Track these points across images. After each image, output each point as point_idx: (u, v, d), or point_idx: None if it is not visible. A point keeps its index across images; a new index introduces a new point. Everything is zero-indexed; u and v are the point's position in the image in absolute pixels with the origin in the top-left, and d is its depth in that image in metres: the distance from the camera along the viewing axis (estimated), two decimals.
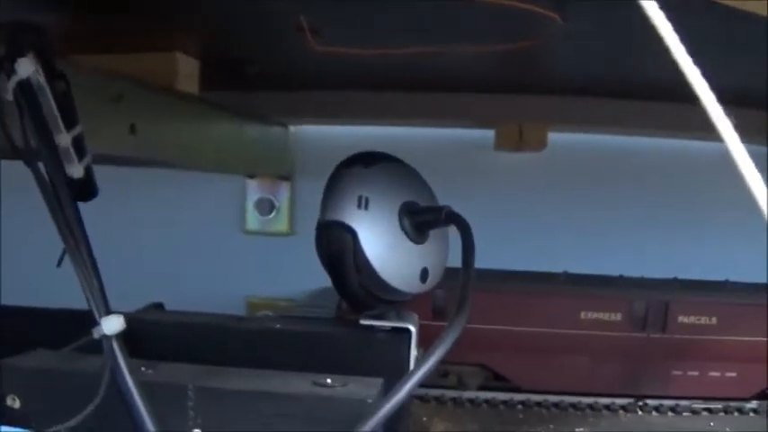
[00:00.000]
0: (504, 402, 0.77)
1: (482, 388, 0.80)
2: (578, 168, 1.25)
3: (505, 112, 1.18)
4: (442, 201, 1.17)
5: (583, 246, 1.20)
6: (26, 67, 0.51)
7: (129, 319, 0.68)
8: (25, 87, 0.51)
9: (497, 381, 0.81)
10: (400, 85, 1.17)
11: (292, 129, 1.29)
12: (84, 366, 0.52)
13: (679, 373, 0.81)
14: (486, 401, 0.76)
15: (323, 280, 1.25)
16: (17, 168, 0.51)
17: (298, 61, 1.01)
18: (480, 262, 0.69)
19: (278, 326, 0.68)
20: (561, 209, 1.24)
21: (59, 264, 0.59)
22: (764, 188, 0.28)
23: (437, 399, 0.77)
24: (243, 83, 1.15)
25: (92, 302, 0.46)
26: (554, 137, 1.20)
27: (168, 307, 1.26)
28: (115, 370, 0.45)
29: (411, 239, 0.64)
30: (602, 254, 1.18)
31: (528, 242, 1.21)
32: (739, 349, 0.80)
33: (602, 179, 1.25)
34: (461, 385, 0.78)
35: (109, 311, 0.47)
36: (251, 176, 1.30)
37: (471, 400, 0.76)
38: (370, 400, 0.50)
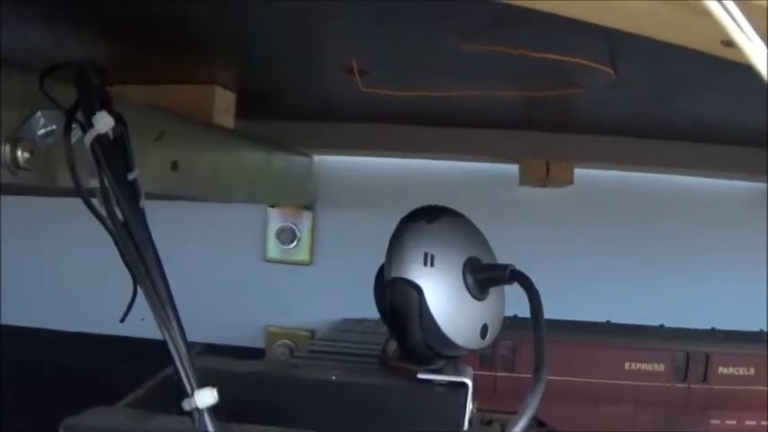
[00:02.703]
0: None
1: None
2: (604, 205, 1.26)
3: (532, 148, 1.18)
4: None
5: (609, 286, 1.20)
6: (106, 122, 0.51)
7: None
8: (104, 142, 0.50)
9: (540, 428, 0.81)
10: (426, 120, 1.17)
11: (316, 158, 1.28)
12: (151, 429, 0.52)
13: (717, 422, 0.82)
14: None
15: (342, 311, 1.26)
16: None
17: (330, 96, 1.02)
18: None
19: (334, 377, 0.67)
20: (585, 245, 1.25)
21: (123, 320, 0.58)
22: None
23: None
24: (269, 112, 1.15)
25: (183, 374, 0.46)
26: (580, 173, 1.20)
27: (189, 333, 1.25)
28: None
29: (473, 296, 0.64)
30: (626, 294, 1.18)
31: (553, 280, 1.21)
32: None
33: (628, 217, 1.25)
34: None
35: (201, 384, 0.46)
36: (272, 205, 1.30)
37: None
38: None
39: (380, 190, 1.31)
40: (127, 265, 0.50)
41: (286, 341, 1.29)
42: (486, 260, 0.66)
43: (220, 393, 0.65)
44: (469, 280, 0.63)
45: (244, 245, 1.32)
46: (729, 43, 0.49)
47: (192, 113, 0.88)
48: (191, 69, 0.89)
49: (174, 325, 0.46)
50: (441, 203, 1.17)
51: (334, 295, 1.28)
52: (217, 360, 0.70)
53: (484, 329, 0.65)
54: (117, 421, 0.54)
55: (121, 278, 0.51)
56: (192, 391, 0.45)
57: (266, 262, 1.31)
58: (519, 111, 1.03)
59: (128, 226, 0.48)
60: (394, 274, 0.62)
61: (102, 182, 0.50)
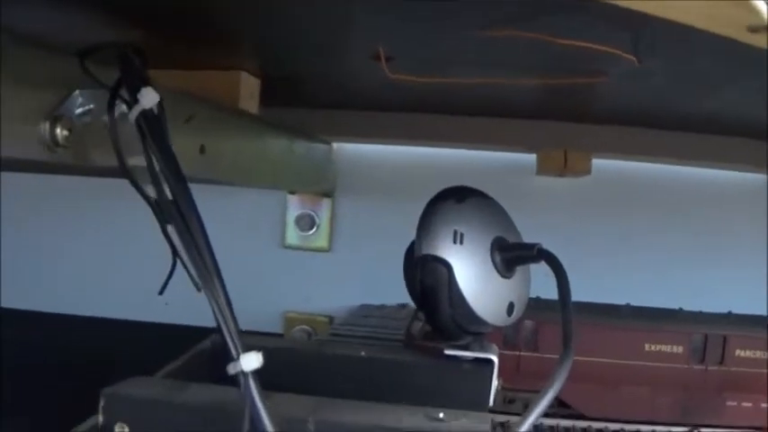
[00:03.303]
0: (567, 429, 0.78)
1: (546, 415, 0.81)
2: (621, 195, 1.27)
3: (550, 138, 1.19)
4: None
5: (625, 275, 1.21)
6: (151, 98, 0.52)
7: (213, 341, 0.69)
8: (149, 116, 0.52)
9: (561, 408, 0.83)
10: (445, 109, 1.18)
11: (335, 146, 1.30)
12: (189, 397, 0.53)
13: (734, 403, 0.83)
14: (551, 428, 0.78)
15: (360, 297, 1.27)
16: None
17: (354, 84, 1.03)
18: None
19: (363, 353, 0.68)
20: (600, 235, 1.26)
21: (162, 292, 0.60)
22: None
23: (502, 425, 0.78)
24: (292, 99, 1.16)
25: (228, 338, 0.47)
26: (597, 163, 1.21)
27: (208, 317, 1.27)
28: (252, 406, 0.46)
29: (501, 274, 0.65)
30: (643, 283, 1.20)
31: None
32: None
33: (644, 207, 1.26)
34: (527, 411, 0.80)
35: (246, 348, 0.47)
36: (292, 192, 1.31)
37: (536, 426, 0.77)
38: None
39: (399, 178, 1.32)
40: (166, 236, 0.52)
41: (304, 327, 1.30)
42: (512, 240, 0.67)
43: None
44: (497, 258, 0.65)
45: (263, 231, 1.33)
46: (756, 29, 0.50)
47: (218, 98, 0.89)
48: (217, 56, 0.90)
49: (221, 293, 0.48)
50: None
51: (353, 282, 1.30)
52: (247, 336, 0.71)
53: (510, 307, 0.66)
54: (154, 390, 0.56)
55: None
56: (238, 355, 0.47)
57: (285, 248, 1.33)
58: (537, 100, 1.04)
59: (175, 198, 0.49)
60: (424, 252, 0.64)
61: (147, 155, 0.51)
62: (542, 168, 1.22)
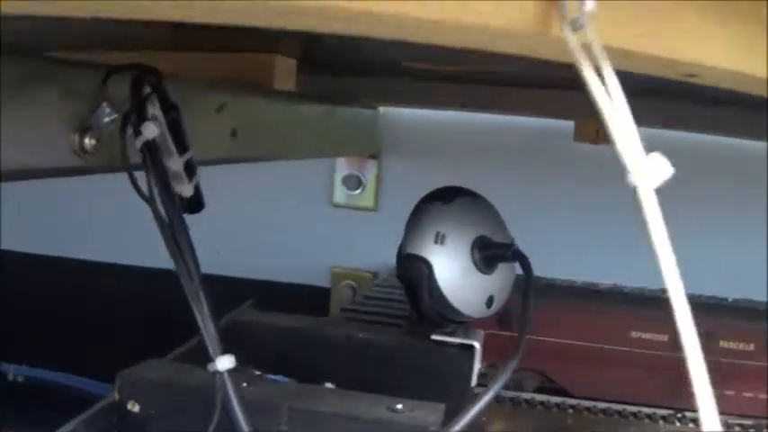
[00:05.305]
0: (557, 405, 0.84)
1: (538, 390, 0.88)
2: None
3: (585, 108, 1.21)
4: (520, 187, 1.23)
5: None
6: (151, 130, 0.58)
7: (229, 320, 0.78)
8: (151, 147, 0.58)
9: (551, 385, 0.89)
10: (484, 81, 1.22)
11: (381, 110, 1.35)
12: (195, 381, 0.62)
13: (716, 392, 0.86)
14: (542, 403, 0.84)
15: None
16: None
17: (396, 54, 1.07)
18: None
19: (360, 335, 0.76)
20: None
21: None
22: None
23: (496, 399, 0.85)
24: (334, 69, 1.21)
25: (207, 342, 0.55)
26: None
27: (261, 271, 1.37)
28: (226, 399, 0.54)
29: (480, 271, 0.71)
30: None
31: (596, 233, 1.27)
32: None
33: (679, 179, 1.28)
34: (519, 388, 0.87)
35: (222, 351, 0.55)
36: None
37: (528, 401, 0.84)
38: (432, 428, 0.58)
39: (443, 141, 1.38)
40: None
41: (350, 282, 1.39)
42: (497, 237, 0.73)
43: (256, 345, 0.76)
44: (477, 256, 0.71)
45: (313, 190, 1.41)
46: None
47: (252, 81, 0.95)
48: (252, 38, 0.95)
49: (204, 304, 0.55)
50: (498, 155, 1.24)
51: (396, 239, 1.36)
52: (258, 314, 0.80)
53: (490, 300, 0.73)
54: (162, 373, 0.65)
55: None
56: (215, 356, 0.55)
57: (333, 207, 1.41)
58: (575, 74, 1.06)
59: (171, 224, 0.56)
60: (408, 251, 0.71)
61: (149, 183, 0.58)
62: (579, 135, 1.25)
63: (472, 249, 0.71)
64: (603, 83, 0.38)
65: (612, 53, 0.42)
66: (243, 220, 1.40)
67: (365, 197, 1.39)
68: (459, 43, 0.43)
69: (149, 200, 0.57)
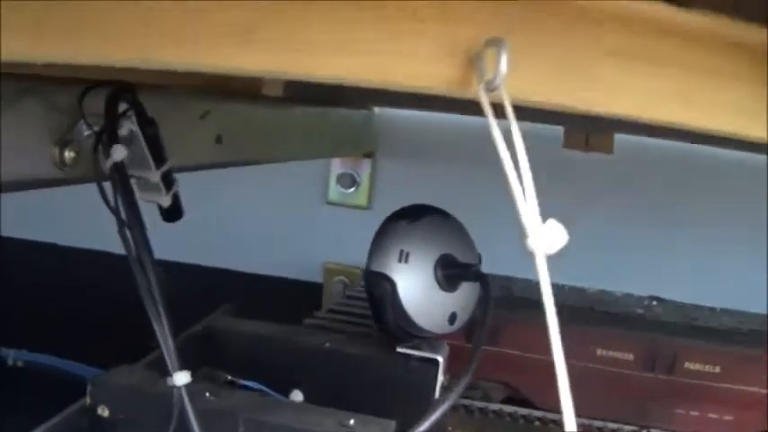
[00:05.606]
0: (524, 417, 0.87)
1: (506, 401, 0.90)
2: (644, 172, 1.31)
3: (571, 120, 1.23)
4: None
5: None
6: (120, 153, 0.61)
7: (206, 325, 0.81)
8: (120, 168, 0.61)
9: (518, 396, 0.91)
10: None
11: (377, 110, 1.38)
12: (160, 389, 0.64)
13: (681, 411, 0.88)
14: (510, 415, 0.87)
15: None
16: None
17: None
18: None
19: (327, 345, 0.79)
20: (620, 211, 1.31)
21: None
22: None
23: (465, 407, 0.87)
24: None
25: (167, 358, 0.58)
26: (621, 138, 1.25)
27: (256, 265, 1.40)
28: (183, 412, 0.57)
29: (443, 289, 0.74)
30: (652, 267, 1.25)
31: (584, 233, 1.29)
32: (738, 396, 0.87)
33: (669, 187, 1.30)
34: (487, 398, 0.89)
35: (180, 368, 0.58)
36: None
37: (496, 412, 0.86)
38: None
39: (437, 142, 1.40)
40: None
41: (342, 278, 1.42)
42: (462, 256, 0.75)
43: (230, 350, 0.79)
44: (440, 274, 0.73)
45: (308, 187, 1.44)
46: None
47: (240, 89, 0.97)
48: None
49: (165, 321, 0.58)
50: (489, 158, 1.25)
51: None
52: (233, 321, 0.83)
53: (452, 317, 0.75)
54: (132, 379, 0.68)
55: None
56: (173, 372, 0.58)
57: (327, 204, 1.44)
58: None
59: (136, 245, 0.59)
60: (372, 268, 0.73)
61: (115, 203, 0.61)
62: (568, 142, 1.27)
63: (435, 268, 0.73)
64: (511, 146, 0.40)
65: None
66: (239, 214, 1.43)
67: (359, 195, 1.42)
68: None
69: (117, 215, 0.60)
